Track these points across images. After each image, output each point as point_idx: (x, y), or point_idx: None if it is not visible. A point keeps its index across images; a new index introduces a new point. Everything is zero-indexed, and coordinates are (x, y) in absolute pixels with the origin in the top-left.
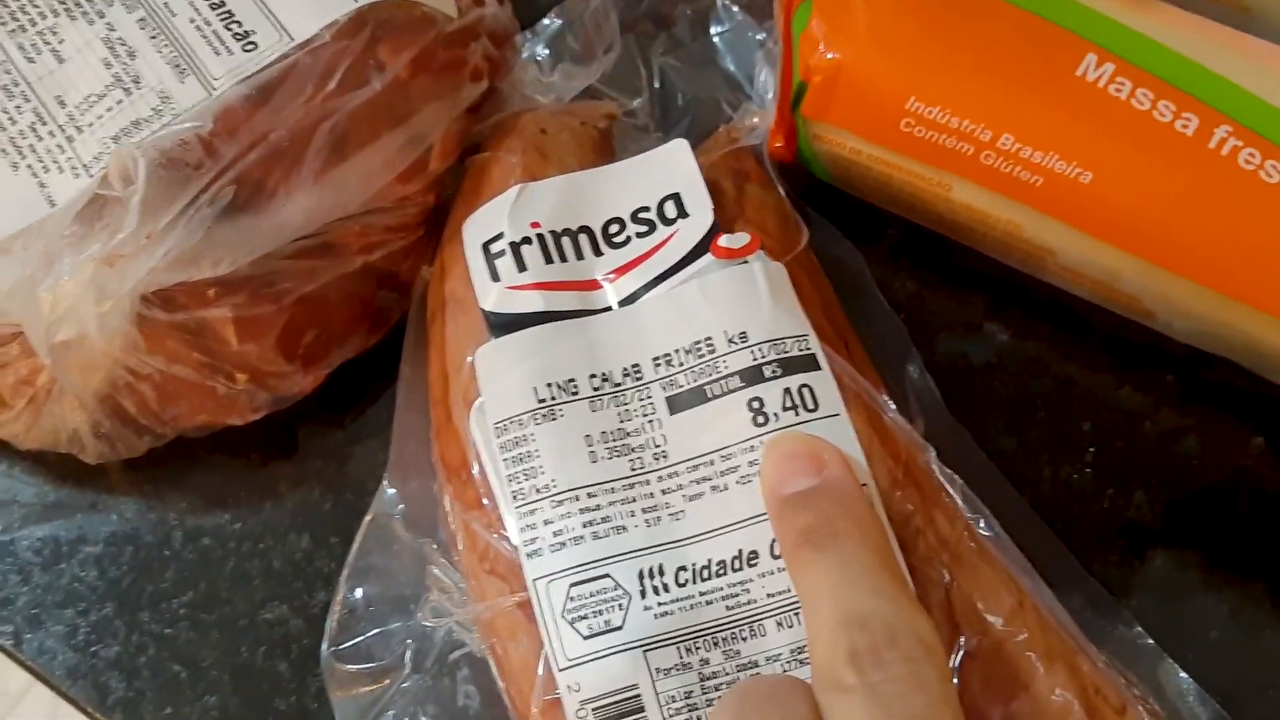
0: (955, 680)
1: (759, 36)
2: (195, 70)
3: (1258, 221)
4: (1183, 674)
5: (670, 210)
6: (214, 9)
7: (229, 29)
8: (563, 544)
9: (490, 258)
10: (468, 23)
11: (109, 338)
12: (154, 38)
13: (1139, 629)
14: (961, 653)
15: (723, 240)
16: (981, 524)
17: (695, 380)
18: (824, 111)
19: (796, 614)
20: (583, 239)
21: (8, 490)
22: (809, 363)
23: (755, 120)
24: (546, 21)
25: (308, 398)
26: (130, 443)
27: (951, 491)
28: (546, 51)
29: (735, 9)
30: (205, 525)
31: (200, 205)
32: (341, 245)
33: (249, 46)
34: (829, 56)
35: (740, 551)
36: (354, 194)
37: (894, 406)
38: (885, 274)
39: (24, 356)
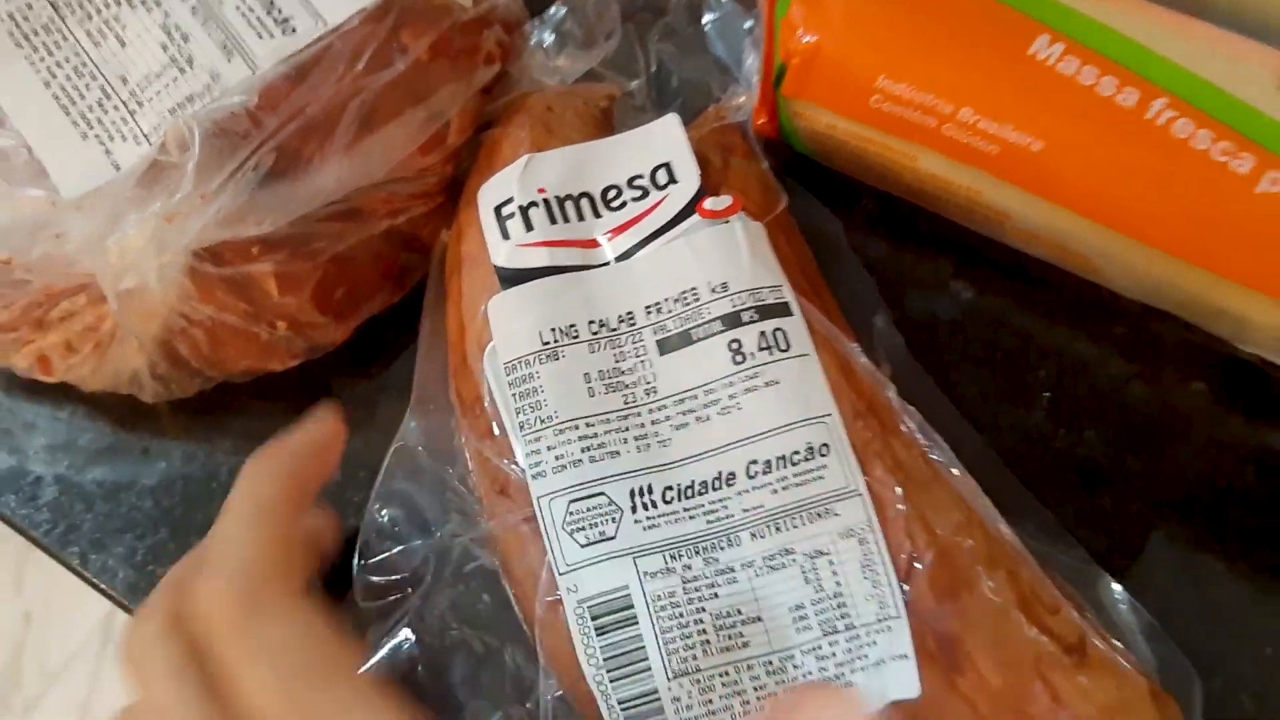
0: (907, 588)
1: (746, 24)
2: (241, 52)
3: (1190, 185)
4: (1115, 585)
5: (662, 177)
6: None
7: (270, 15)
8: (563, 466)
9: (502, 219)
10: (481, 11)
11: (167, 287)
12: (204, 24)
13: (1084, 552)
14: (912, 563)
15: (708, 203)
16: (935, 453)
17: (682, 325)
18: (802, 90)
19: (768, 526)
20: (584, 203)
21: (69, 434)
22: (782, 309)
23: (741, 100)
24: (553, 10)
25: (340, 351)
26: (183, 384)
27: (910, 423)
28: (553, 38)
29: None
30: None
31: (246, 170)
32: (368, 210)
33: (288, 31)
34: (806, 40)
35: (720, 473)
36: (380, 164)
37: (860, 350)
38: (860, 239)
39: (91, 306)
